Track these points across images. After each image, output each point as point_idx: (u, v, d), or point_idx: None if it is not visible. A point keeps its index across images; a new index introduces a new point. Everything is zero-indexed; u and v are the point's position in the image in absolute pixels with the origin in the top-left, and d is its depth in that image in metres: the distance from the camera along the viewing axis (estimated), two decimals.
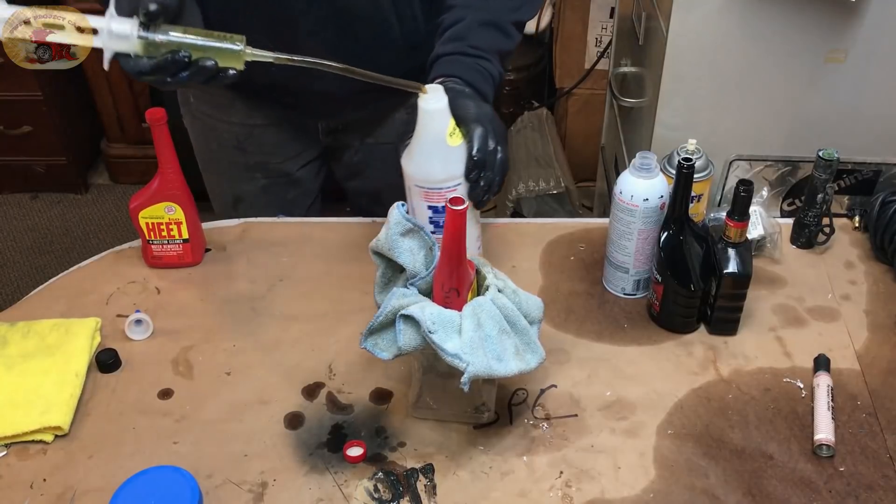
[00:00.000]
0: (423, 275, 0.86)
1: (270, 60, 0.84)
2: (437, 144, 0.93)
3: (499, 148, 0.95)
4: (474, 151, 0.93)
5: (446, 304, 0.84)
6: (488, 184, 0.95)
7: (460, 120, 0.94)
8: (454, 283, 0.84)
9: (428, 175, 0.94)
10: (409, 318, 0.82)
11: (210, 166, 1.37)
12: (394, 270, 0.88)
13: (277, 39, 1.15)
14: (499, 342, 0.83)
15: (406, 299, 0.83)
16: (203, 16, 0.92)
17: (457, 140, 0.94)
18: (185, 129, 1.35)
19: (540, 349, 0.86)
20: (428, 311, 0.81)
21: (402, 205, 0.85)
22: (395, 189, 1.40)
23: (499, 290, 0.86)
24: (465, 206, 0.79)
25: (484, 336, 0.82)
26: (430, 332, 0.80)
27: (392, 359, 0.84)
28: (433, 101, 0.91)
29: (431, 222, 0.97)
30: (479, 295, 0.86)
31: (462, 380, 0.80)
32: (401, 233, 0.84)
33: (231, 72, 0.83)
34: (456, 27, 1.06)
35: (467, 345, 0.81)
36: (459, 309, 0.83)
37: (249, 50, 0.83)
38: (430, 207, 0.96)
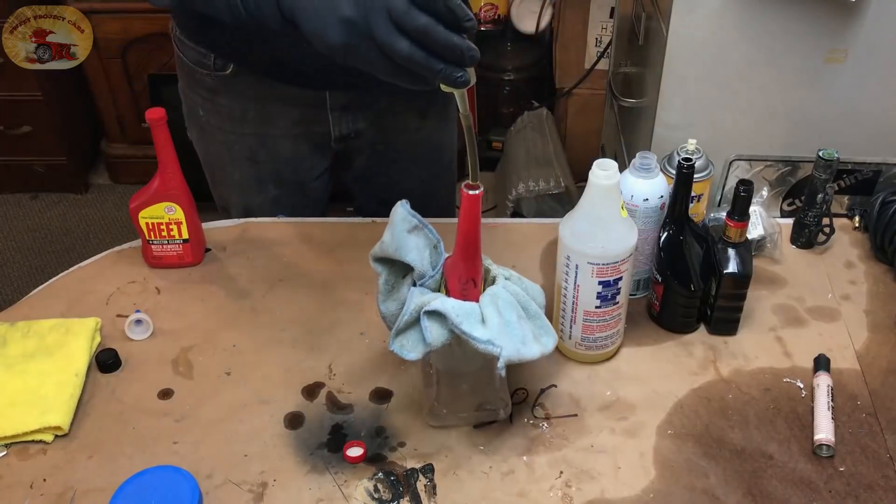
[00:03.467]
0: (432, 273, 0.85)
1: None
2: (611, 221, 0.91)
3: None
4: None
5: (464, 297, 0.84)
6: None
7: None
8: (472, 273, 0.83)
9: (604, 252, 0.91)
10: (433, 314, 0.81)
11: (221, 180, 1.35)
12: (397, 277, 0.88)
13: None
14: (519, 328, 0.83)
15: (426, 296, 0.83)
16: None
17: (625, 212, 0.92)
18: (186, 129, 1.34)
19: (553, 331, 0.87)
20: (450, 305, 0.81)
21: (406, 202, 0.84)
22: (404, 195, 1.39)
23: (506, 279, 0.86)
24: (480, 190, 0.78)
25: (505, 322, 0.82)
26: (457, 323, 0.80)
27: (419, 358, 0.84)
28: (606, 177, 0.88)
29: (599, 297, 0.94)
30: (486, 285, 0.87)
31: (499, 365, 0.80)
32: (407, 230, 0.84)
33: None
34: None
35: (494, 332, 0.81)
36: (475, 300, 0.84)
37: None
38: (600, 283, 0.93)
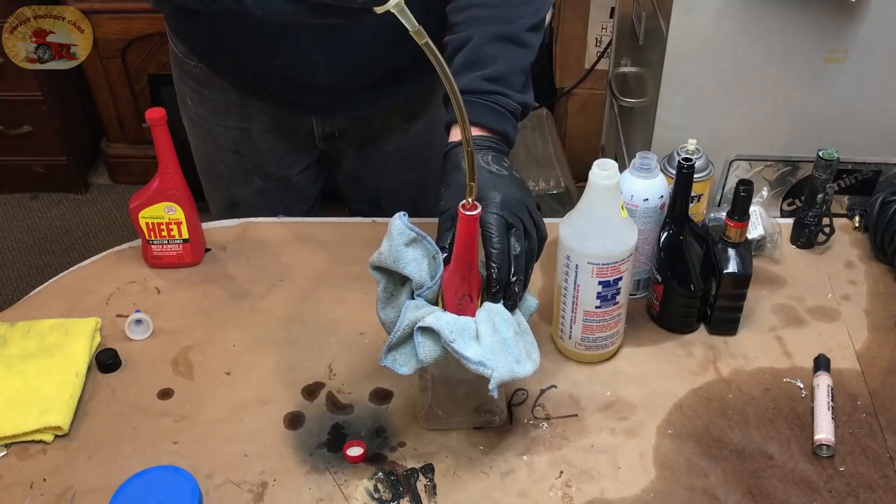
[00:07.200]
0: (430, 284, 0.84)
1: None
2: (611, 221, 0.90)
3: (516, 243, 0.83)
4: (495, 270, 0.82)
5: (459, 311, 0.83)
6: (523, 281, 0.84)
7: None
8: (467, 288, 0.83)
9: (604, 252, 0.91)
10: (426, 330, 0.81)
11: (207, 170, 1.36)
12: (395, 284, 0.87)
13: (275, 53, 1.13)
14: (515, 345, 0.82)
15: (420, 311, 0.82)
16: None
17: (625, 212, 0.91)
18: (184, 129, 1.34)
19: (536, 347, 0.86)
20: (444, 321, 0.80)
21: (404, 214, 0.83)
22: (394, 196, 1.39)
23: None
24: (476, 211, 0.78)
25: (501, 340, 0.81)
26: (450, 341, 0.79)
27: (412, 373, 0.83)
28: (606, 177, 0.88)
29: (599, 297, 0.94)
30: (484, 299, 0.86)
31: (490, 386, 0.79)
32: (405, 243, 0.82)
33: None
34: (465, 51, 0.95)
35: (488, 350, 0.80)
36: (472, 314, 0.83)
37: None
38: (600, 283, 0.93)
